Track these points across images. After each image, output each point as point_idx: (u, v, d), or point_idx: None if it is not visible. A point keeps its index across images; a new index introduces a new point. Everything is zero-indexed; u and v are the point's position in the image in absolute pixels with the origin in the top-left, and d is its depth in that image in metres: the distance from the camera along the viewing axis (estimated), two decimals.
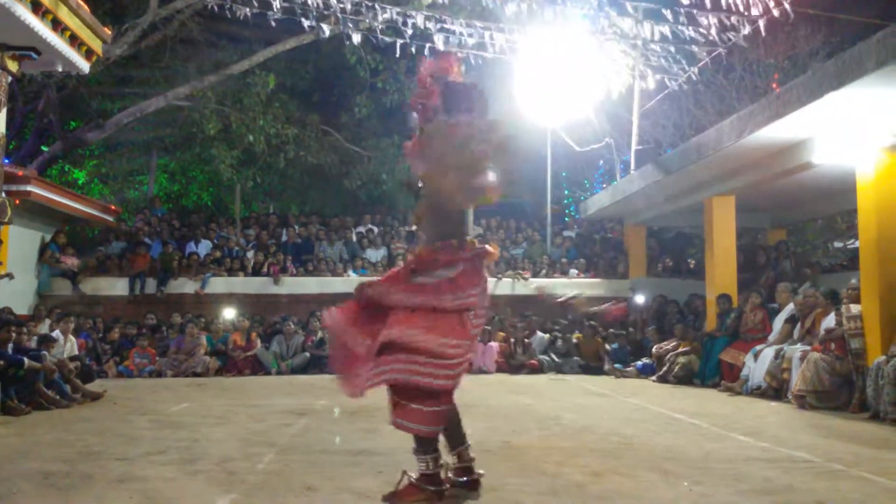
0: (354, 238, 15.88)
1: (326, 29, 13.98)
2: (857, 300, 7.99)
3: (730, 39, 13.29)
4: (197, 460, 4.96)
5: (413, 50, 14.04)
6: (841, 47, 12.76)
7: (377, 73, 17.53)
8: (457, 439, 4.04)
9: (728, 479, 4.43)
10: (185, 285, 14.03)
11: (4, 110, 8.28)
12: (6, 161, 10.30)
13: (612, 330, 13.07)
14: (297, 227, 15.96)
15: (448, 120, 3.89)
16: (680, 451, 5.34)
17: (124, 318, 13.27)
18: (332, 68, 18.97)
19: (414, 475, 3.86)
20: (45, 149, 17.59)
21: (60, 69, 8.71)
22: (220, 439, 5.84)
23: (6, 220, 8.30)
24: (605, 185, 18.66)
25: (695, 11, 12.80)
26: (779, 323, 9.51)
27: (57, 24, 7.87)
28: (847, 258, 14.58)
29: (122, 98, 17.85)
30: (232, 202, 18.59)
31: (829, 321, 8.25)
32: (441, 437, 3.94)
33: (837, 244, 18.16)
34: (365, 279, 4.57)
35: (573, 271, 15.07)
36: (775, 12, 11.76)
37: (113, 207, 16.09)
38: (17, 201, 10.88)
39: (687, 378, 10.65)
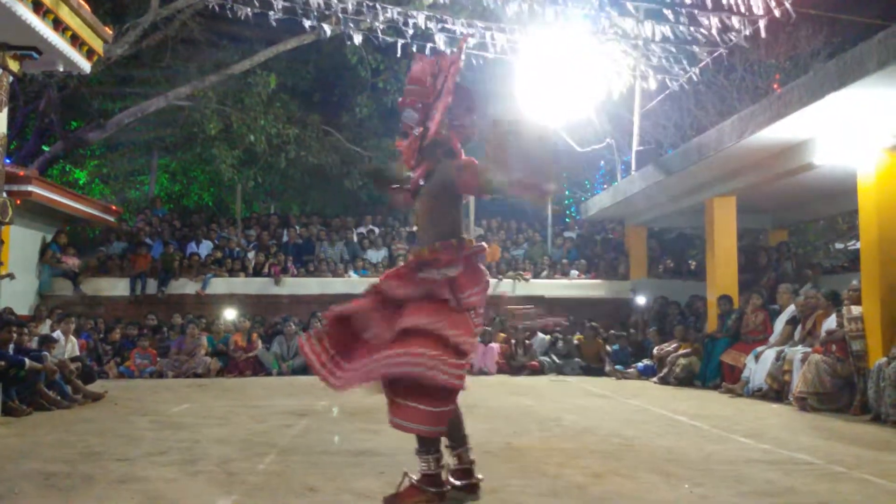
0: (355, 238, 15.89)
1: (328, 29, 13.98)
2: (857, 301, 7.98)
3: (731, 40, 13.28)
4: (198, 461, 4.96)
5: (414, 50, 14.03)
6: (842, 48, 12.74)
7: (378, 73, 17.53)
8: (458, 440, 4.03)
9: (729, 480, 4.43)
10: (186, 286, 14.04)
11: (5, 110, 8.27)
12: (7, 161, 10.30)
13: (612, 331, 13.08)
14: (297, 227, 15.96)
15: (503, 120, 3.87)
16: (681, 452, 5.34)
17: (125, 318, 13.27)
18: (333, 68, 18.97)
19: (415, 476, 3.85)
20: (46, 149, 17.60)
21: (61, 69, 8.70)
22: (221, 440, 5.84)
23: (7, 220, 8.29)
24: (605, 186, 18.66)
25: (696, 12, 12.79)
26: (780, 324, 9.50)
27: (58, 24, 7.86)
28: (848, 259, 14.57)
29: (123, 98, 17.86)
30: (233, 202, 18.58)
31: (831, 323, 8.25)
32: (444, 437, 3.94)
33: (838, 245, 18.14)
34: (366, 280, 4.58)
35: (574, 272, 15.08)
36: (776, 13, 11.74)
37: (114, 208, 16.09)
38: (19, 201, 10.87)
39: (688, 380, 10.64)
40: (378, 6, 13.49)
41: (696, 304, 12.37)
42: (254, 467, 4.76)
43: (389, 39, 14.24)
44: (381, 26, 14.08)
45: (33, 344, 8.66)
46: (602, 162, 21.40)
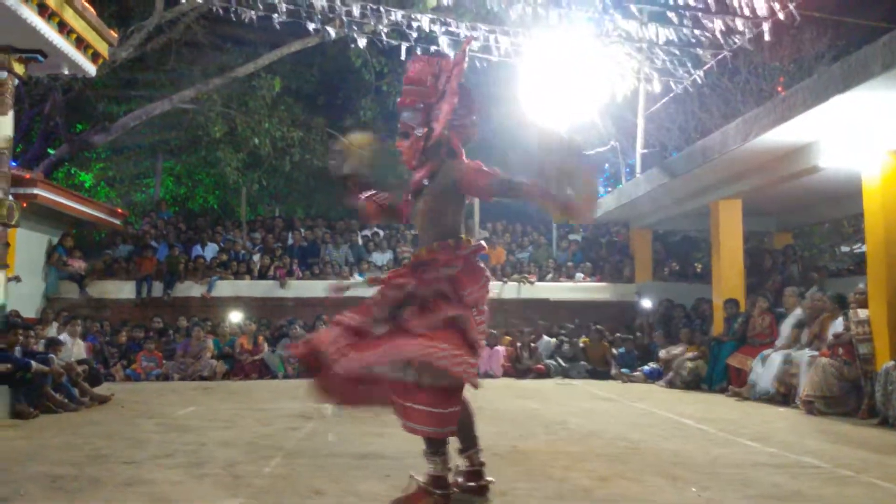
0: (360, 241, 15.90)
1: (332, 32, 14.00)
2: (864, 305, 7.96)
3: (735, 43, 13.26)
4: (204, 464, 4.96)
5: (419, 52, 14.04)
6: (847, 50, 12.73)
7: (382, 76, 17.56)
8: (468, 442, 4.03)
9: (736, 484, 4.42)
10: (191, 289, 14.07)
11: (11, 113, 8.31)
12: (13, 164, 10.33)
13: (618, 334, 13.07)
14: (302, 230, 15.99)
15: (544, 129, 3.86)
16: (687, 456, 5.33)
17: (131, 321, 13.31)
18: (338, 71, 19.00)
19: (422, 478, 3.85)
20: (51, 152, 17.66)
21: (66, 72, 8.74)
22: (227, 443, 5.85)
23: (13, 222, 8.32)
24: (609, 189, 18.65)
25: (699, 14, 12.78)
26: (786, 327, 9.47)
27: (63, 27, 7.89)
28: (854, 262, 14.54)
29: (127, 101, 17.91)
30: (238, 205, 18.61)
31: (837, 326, 8.23)
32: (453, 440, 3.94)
33: (844, 248, 18.10)
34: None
35: (579, 275, 15.07)
36: (780, 15, 11.73)
37: (119, 210, 16.13)
38: (25, 204, 10.91)
39: (694, 383, 10.62)
40: (382, 9, 13.51)
41: (702, 306, 12.36)
42: (260, 470, 4.76)
43: (393, 42, 14.25)
44: (385, 29, 14.10)
45: (40, 347, 8.69)
46: (606, 165, 21.39)
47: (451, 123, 4.01)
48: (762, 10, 11.85)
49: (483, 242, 4.13)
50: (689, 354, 10.95)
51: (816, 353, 8.24)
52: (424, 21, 13.57)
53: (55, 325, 11.31)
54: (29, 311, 11.97)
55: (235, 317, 13.48)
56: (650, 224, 14.90)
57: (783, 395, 8.63)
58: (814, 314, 8.98)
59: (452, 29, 13.93)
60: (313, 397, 3.89)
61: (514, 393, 10.01)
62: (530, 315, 13.78)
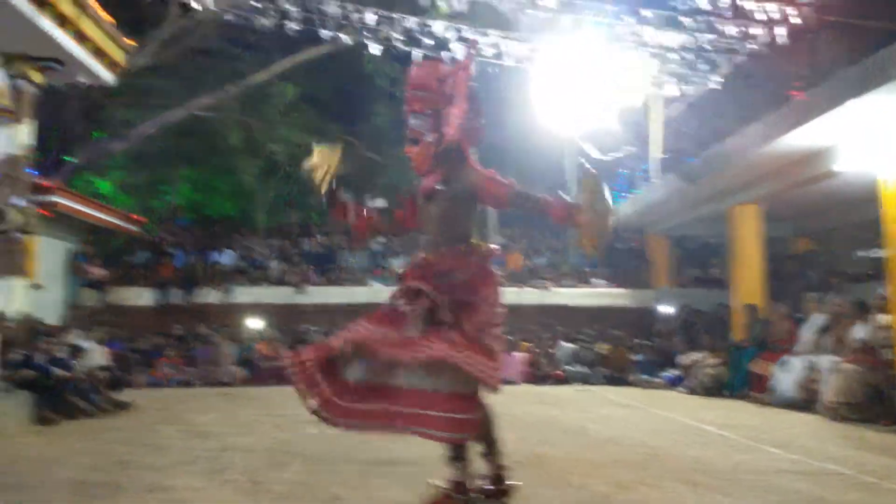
0: (376, 247, 15.94)
1: (345, 39, 14.05)
2: (885, 310, 7.89)
3: (751, 47, 13.19)
4: (225, 470, 4.99)
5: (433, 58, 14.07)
6: (864, 54, 12.62)
7: (395, 82, 17.60)
8: (489, 446, 4.03)
9: (758, 490, 4.40)
10: (209, 295, 14.15)
11: (31, 122, 8.41)
12: (33, 173, 10.43)
13: (637, 340, 13.00)
14: (319, 236, 16.04)
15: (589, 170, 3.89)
16: (708, 462, 5.30)
17: (151, 327, 13.41)
18: (351, 78, 19.06)
19: (443, 484, 3.86)
20: (67, 159, 17.80)
21: (84, 80, 8.83)
22: (248, 449, 5.87)
23: (32, 230, 8.41)
24: (624, 195, 18.59)
25: (712, 20, 12.72)
26: (807, 333, 9.39)
27: (80, 36, 7.98)
28: (873, 267, 14.38)
29: (144, 108, 18.03)
30: (254, 212, 18.71)
31: (859, 331, 8.15)
32: (474, 444, 3.93)
33: (861, 253, 17.90)
34: (388, 289, 4.53)
35: (597, 281, 15.03)
36: (798, 20, 11.67)
37: (137, 218, 16.25)
38: (45, 212, 11.01)
39: (715, 389, 10.51)
40: (395, 17, 13.54)
41: (721, 312, 12.27)
42: (279, 476, 4.78)
43: (406, 49, 14.28)
44: (400, 37, 14.13)
45: (62, 353, 8.76)
46: (621, 170, 21.30)
47: (461, 127, 4.02)
48: (779, 14, 11.79)
49: (495, 246, 4.12)
50: (711, 360, 10.86)
51: (838, 358, 8.16)
52: (438, 26, 13.59)
53: (76, 331, 11.38)
54: (51, 318, 12.05)
55: (254, 323, 13.55)
56: (666, 230, 14.85)
57: (805, 401, 8.53)
58: (835, 319, 8.90)
59: (466, 35, 13.95)
60: (310, 409, 3.70)
61: (532, 399, 9.97)
62: (548, 321, 13.74)
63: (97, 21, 8.15)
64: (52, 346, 8.44)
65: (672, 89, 14.58)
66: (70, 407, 7.79)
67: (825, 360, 8.42)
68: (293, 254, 15.43)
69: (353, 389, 3.67)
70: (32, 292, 10.95)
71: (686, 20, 12.99)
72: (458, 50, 13.49)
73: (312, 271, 14.81)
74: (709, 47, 13.37)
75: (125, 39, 8.94)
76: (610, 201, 3.75)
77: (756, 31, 12.49)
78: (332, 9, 12.42)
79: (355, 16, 13.21)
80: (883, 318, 7.82)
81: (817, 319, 9.33)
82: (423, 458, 4.98)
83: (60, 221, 12.88)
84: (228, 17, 13.95)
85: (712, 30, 12.90)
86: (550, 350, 12.76)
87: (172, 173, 20.12)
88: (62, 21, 7.63)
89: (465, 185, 3.96)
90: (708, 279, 15.26)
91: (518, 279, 14.61)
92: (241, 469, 5.03)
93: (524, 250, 16.11)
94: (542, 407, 9.03)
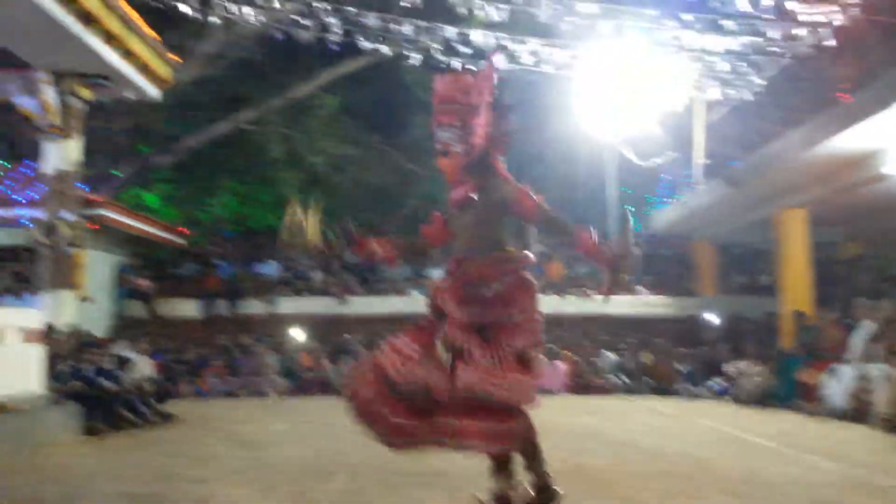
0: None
1: (385, 50, 14.14)
2: None
3: (797, 50, 12.97)
4: (272, 481, 5.01)
5: (474, 69, 14.07)
6: None
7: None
8: (534, 458, 4.00)
9: None
10: (253, 306, 14.32)
11: (80, 137, 8.62)
12: (82, 187, 10.67)
13: (682, 349, 12.80)
14: None
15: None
16: (755, 474, 5.19)
17: (197, 338, 13.59)
18: (390, 88, 19.17)
19: (485, 497, 3.84)
20: (114, 173, 18.18)
21: (132, 96, 9.03)
22: (294, 460, 5.91)
23: (81, 244, 8.60)
24: (667, 200, 18.38)
25: (755, 23, 12.54)
26: (858, 340, 9.14)
27: (126, 53, 8.17)
28: None
29: (189, 122, 18.35)
30: None
31: None
32: (517, 456, 3.91)
33: None
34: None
35: (642, 289, 14.85)
36: (845, 21, 11.45)
37: (183, 230, 16.52)
38: (93, 226, 11.25)
39: (763, 398, 10.29)
40: (435, 26, 13.60)
41: (769, 320, 12.03)
42: (326, 487, 4.79)
43: (445, 59, 14.32)
44: (439, 47, 14.18)
45: (109, 365, 8.92)
46: (665, 176, 21.08)
47: (487, 136, 4.01)
48: (826, 16, 11.57)
49: (530, 254, 4.09)
50: (758, 369, 10.64)
51: (890, 367, 7.92)
52: (477, 35, 13.61)
53: (124, 343, 11.60)
54: (99, 329, 12.32)
55: (298, 334, 13.66)
56: (712, 236, 14.63)
57: (857, 412, 8.28)
58: (886, 326, 8.66)
59: (506, 43, 13.95)
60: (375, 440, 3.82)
61: (575, 409, 9.88)
62: (591, 330, 13.61)
63: (143, 38, 8.33)
64: (100, 357, 8.58)
65: (714, 93, 14.40)
66: (117, 418, 7.92)
67: (876, 369, 8.18)
68: (335, 265, 15.55)
69: (403, 409, 3.71)
70: (81, 305, 11.21)
71: (728, 23, 12.83)
72: (498, 59, 13.50)
73: (354, 282, 14.89)
74: (751, 51, 13.19)
75: (170, 55, 9.12)
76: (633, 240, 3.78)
77: (800, 32, 12.29)
78: (372, 21, 12.50)
79: (394, 27, 13.31)
80: None
81: (868, 326, 9.08)
82: (467, 469, 4.96)
83: (108, 235, 13.16)
84: (270, 31, 14.18)
85: (756, 33, 12.72)
86: (593, 359, 12.63)
87: (217, 186, 20.45)
88: (109, 38, 7.82)
89: (500, 196, 3.95)
90: (755, 286, 14.98)
91: (558, 288, 14.50)
92: (287, 480, 5.05)
93: (565, 259, 15.99)
94: (586, 417, 8.94)
